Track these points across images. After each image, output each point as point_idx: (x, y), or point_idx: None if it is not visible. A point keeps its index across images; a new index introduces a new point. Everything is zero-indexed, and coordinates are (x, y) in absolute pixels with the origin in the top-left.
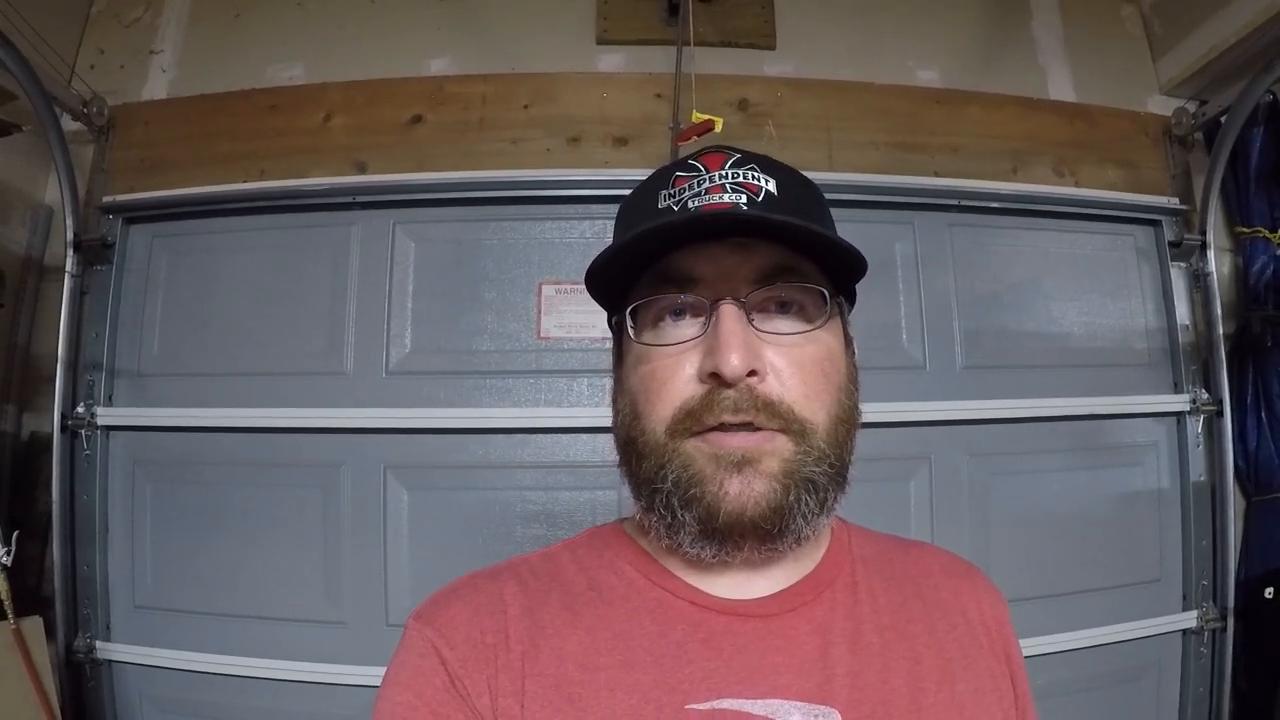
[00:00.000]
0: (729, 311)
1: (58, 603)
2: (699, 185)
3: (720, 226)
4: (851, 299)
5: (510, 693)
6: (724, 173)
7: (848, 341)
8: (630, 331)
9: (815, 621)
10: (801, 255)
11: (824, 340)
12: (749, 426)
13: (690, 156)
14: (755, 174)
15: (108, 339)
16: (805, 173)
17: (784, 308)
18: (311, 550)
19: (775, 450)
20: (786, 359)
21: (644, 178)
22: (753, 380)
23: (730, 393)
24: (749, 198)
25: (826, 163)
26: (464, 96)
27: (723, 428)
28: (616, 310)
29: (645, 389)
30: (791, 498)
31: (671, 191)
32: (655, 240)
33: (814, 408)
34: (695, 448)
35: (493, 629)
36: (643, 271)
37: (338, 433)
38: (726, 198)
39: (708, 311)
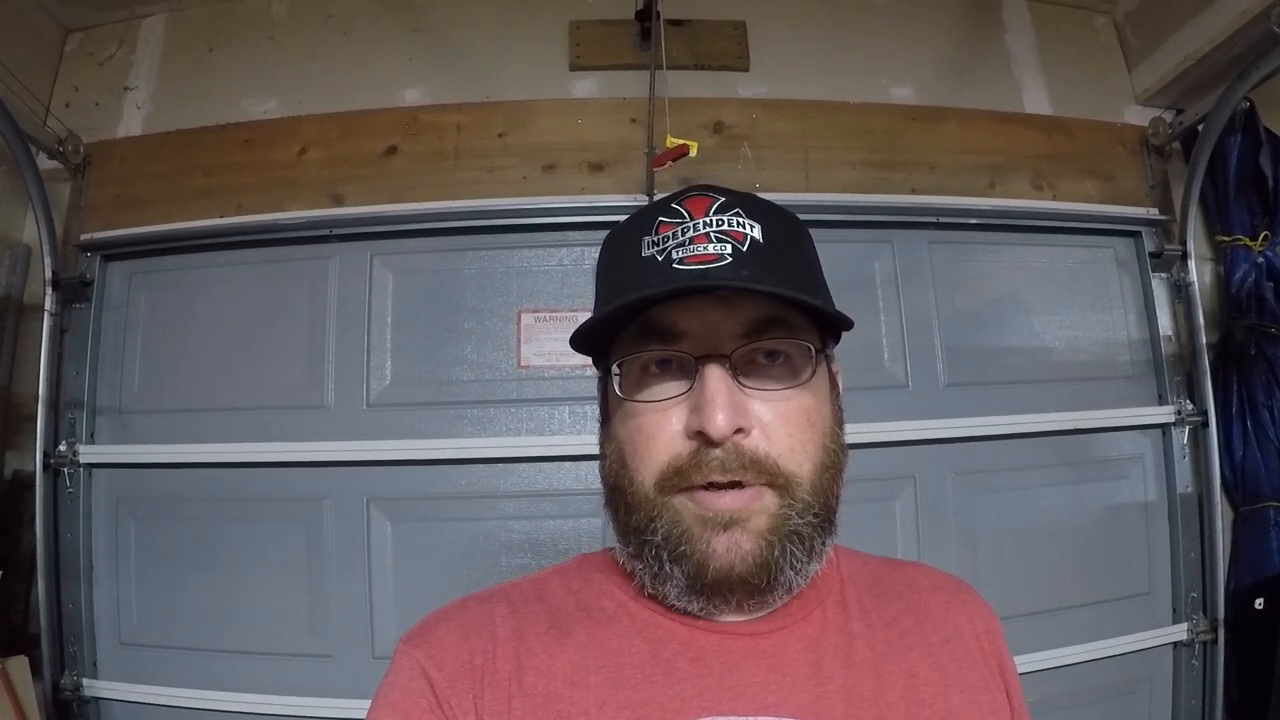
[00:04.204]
0: (715, 371)
1: (44, 641)
2: (683, 234)
3: (691, 288)
4: (838, 336)
5: (496, 713)
6: (708, 220)
7: (833, 383)
8: (617, 386)
9: (806, 639)
10: (788, 306)
11: (810, 391)
12: (737, 485)
13: (674, 199)
14: (740, 219)
15: (88, 377)
16: (782, 194)
17: (771, 357)
18: (296, 584)
19: (762, 508)
20: (773, 412)
21: (620, 203)
22: (739, 437)
23: (717, 452)
24: (734, 247)
25: (803, 183)
26: (439, 126)
27: (711, 486)
28: (602, 360)
29: (633, 442)
30: (777, 553)
31: (655, 239)
32: (639, 305)
33: (799, 460)
34: (683, 505)
35: (481, 650)
36: (627, 322)
37: (319, 466)
38: (711, 248)
39: (693, 368)
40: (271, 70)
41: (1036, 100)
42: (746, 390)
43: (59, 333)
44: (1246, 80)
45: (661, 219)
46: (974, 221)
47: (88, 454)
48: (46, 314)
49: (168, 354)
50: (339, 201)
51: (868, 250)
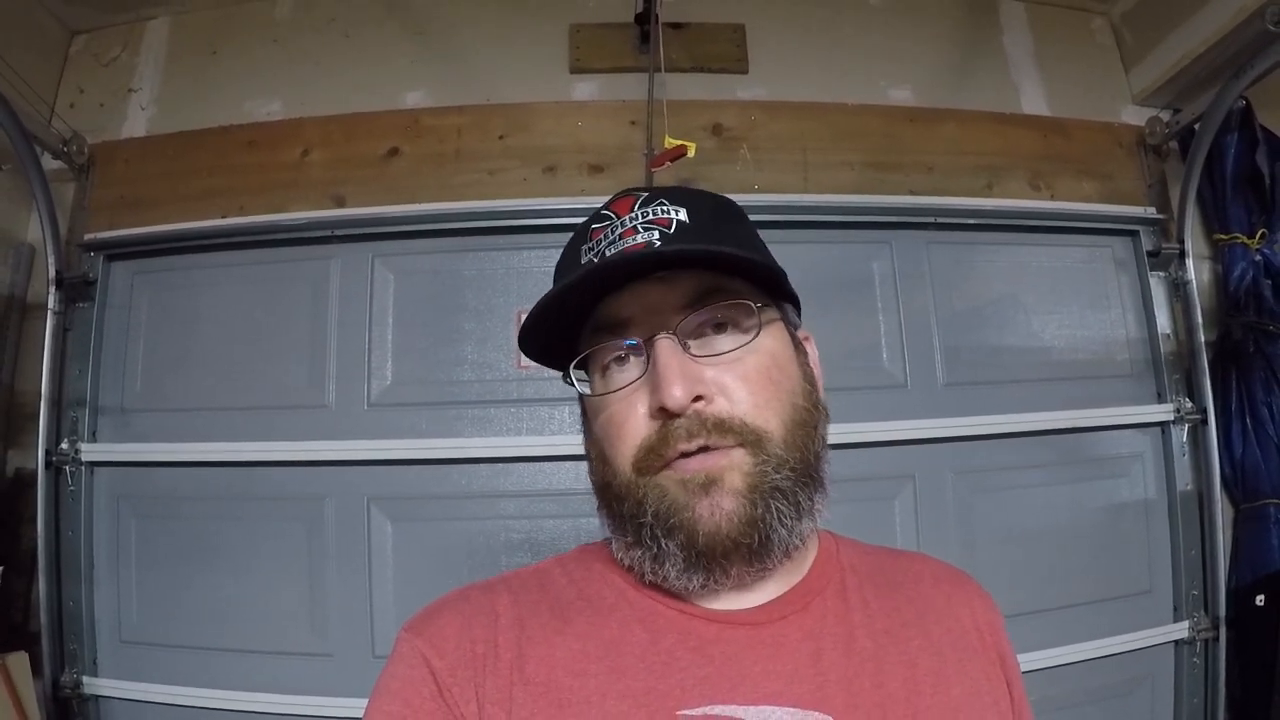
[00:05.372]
0: (663, 346)
1: (44, 638)
2: (613, 233)
3: (616, 275)
4: (795, 301)
5: (497, 700)
6: (634, 214)
7: (799, 346)
8: (583, 385)
9: (806, 629)
10: (726, 274)
11: (765, 349)
12: (705, 450)
13: (603, 206)
14: (664, 208)
15: (91, 375)
16: (781, 196)
17: (720, 328)
18: (297, 583)
19: (734, 465)
20: (731, 374)
21: None
22: (700, 405)
23: (681, 421)
24: (661, 232)
25: (802, 184)
26: (440, 128)
27: (683, 456)
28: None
29: (607, 435)
30: (760, 509)
31: (590, 244)
32: (574, 294)
33: (766, 416)
34: (665, 477)
35: (483, 638)
36: (579, 327)
37: (321, 465)
38: (639, 238)
39: (644, 350)
40: (274, 73)
41: (1034, 101)
42: (699, 360)
43: (62, 331)
44: (1242, 79)
45: (593, 226)
46: (972, 222)
47: (89, 452)
48: (50, 313)
49: (170, 353)
50: (341, 203)
51: (866, 251)
